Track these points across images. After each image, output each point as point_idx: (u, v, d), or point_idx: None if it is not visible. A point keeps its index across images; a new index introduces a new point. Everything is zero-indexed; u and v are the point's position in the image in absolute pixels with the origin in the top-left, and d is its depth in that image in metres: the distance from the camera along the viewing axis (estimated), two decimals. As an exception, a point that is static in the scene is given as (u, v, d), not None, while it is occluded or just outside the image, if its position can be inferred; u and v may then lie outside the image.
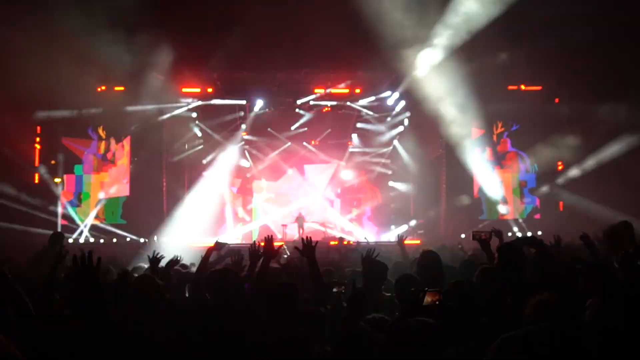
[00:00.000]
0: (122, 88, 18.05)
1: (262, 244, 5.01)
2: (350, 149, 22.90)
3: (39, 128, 18.94)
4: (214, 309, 4.20)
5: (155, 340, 3.00)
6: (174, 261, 5.98)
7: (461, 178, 19.95)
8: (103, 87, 18.05)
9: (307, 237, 4.76)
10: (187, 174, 21.06)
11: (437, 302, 3.20)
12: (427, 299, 3.21)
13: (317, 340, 3.38)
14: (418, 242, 16.84)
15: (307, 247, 4.67)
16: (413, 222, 21.10)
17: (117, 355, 3.12)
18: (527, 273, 4.56)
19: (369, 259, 4.99)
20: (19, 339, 3.34)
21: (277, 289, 4.18)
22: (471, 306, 3.84)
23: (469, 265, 5.71)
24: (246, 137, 21.94)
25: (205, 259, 5.53)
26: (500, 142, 20.44)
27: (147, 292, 4.12)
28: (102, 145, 19.83)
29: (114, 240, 18.95)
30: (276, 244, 5.15)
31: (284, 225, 20.38)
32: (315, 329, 3.60)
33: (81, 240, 18.72)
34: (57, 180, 19.24)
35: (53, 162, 19.23)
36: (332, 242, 15.61)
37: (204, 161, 21.58)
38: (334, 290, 4.45)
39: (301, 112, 20.50)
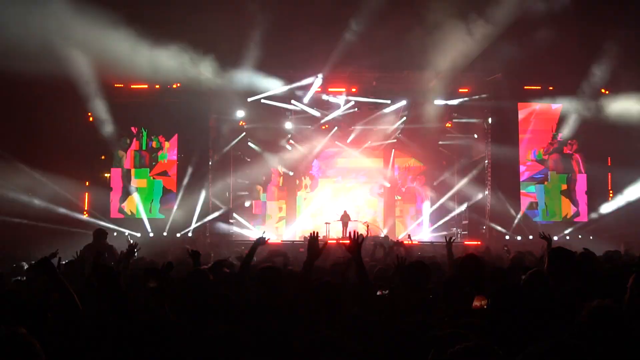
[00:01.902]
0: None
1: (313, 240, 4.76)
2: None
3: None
4: (261, 305, 4.20)
5: (207, 336, 3.05)
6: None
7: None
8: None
9: (354, 233, 4.53)
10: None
11: (484, 307, 3.18)
12: (476, 303, 3.19)
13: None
14: (478, 242, 16.79)
15: (353, 245, 4.42)
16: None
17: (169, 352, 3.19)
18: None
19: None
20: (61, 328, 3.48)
21: (319, 289, 4.10)
22: (519, 311, 3.78)
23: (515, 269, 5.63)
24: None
25: (250, 255, 5.54)
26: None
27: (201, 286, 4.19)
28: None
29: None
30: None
31: (327, 224, 20.24)
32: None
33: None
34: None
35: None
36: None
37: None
38: (377, 293, 4.35)
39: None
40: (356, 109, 20.92)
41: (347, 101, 20.53)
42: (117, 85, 19.20)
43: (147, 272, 4.61)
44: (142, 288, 4.65)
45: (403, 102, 20.41)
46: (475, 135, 21.17)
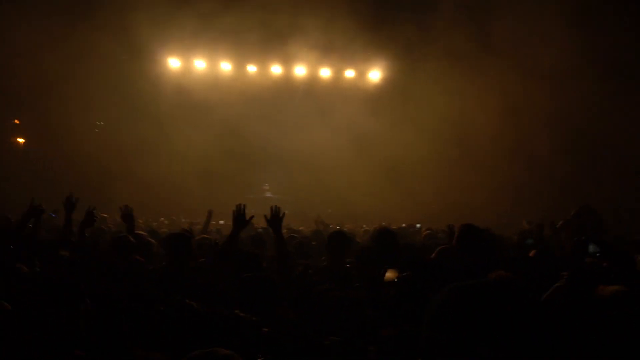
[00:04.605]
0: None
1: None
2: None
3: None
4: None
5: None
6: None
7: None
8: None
9: (275, 208, 4.84)
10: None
11: (395, 280, 3.30)
12: (389, 274, 3.30)
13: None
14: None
15: (274, 218, 4.79)
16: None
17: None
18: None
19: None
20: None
21: (241, 257, 4.35)
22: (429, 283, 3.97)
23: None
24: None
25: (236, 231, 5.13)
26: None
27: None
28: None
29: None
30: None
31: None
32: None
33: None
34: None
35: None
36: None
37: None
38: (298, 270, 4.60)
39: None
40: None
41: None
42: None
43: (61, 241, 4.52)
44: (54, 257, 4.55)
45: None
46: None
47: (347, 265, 4.96)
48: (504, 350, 1.52)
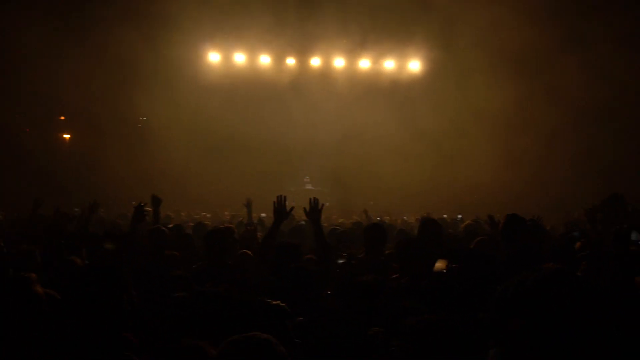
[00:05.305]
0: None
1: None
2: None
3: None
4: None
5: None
6: None
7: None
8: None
9: (314, 200, 4.86)
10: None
11: (444, 270, 3.27)
12: (438, 264, 3.28)
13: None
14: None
15: (313, 210, 4.80)
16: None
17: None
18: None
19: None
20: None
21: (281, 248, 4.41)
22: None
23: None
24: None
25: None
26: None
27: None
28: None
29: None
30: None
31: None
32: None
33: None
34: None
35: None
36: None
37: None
38: (339, 262, 4.62)
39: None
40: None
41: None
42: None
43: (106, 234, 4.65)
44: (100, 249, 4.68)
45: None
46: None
47: (382, 258, 4.96)
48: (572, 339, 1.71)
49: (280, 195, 4.93)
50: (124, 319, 2.75)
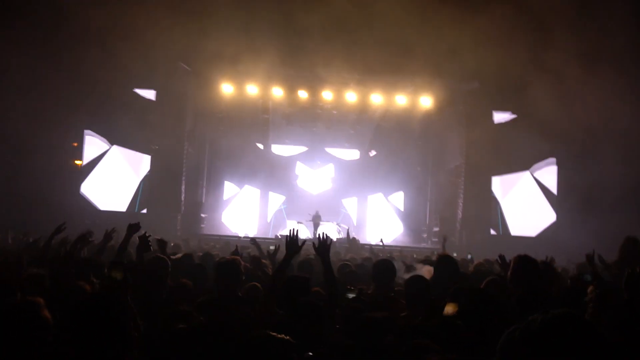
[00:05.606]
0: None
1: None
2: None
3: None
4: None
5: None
6: None
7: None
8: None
9: (323, 235, 4.75)
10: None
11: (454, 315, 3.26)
12: (448, 308, 3.26)
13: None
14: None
15: (322, 246, 4.67)
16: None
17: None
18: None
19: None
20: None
21: (290, 282, 4.38)
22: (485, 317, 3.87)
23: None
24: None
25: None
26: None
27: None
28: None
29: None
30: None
31: (299, 223, 20.41)
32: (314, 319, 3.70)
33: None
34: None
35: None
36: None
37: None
38: (348, 295, 4.56)
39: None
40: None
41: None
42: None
43: (113, 263, 4.64)
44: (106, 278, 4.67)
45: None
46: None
47: (392, 295, 4.92)
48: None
49: (293, 229, 4.91)
50: (129, 348, 2.74)
